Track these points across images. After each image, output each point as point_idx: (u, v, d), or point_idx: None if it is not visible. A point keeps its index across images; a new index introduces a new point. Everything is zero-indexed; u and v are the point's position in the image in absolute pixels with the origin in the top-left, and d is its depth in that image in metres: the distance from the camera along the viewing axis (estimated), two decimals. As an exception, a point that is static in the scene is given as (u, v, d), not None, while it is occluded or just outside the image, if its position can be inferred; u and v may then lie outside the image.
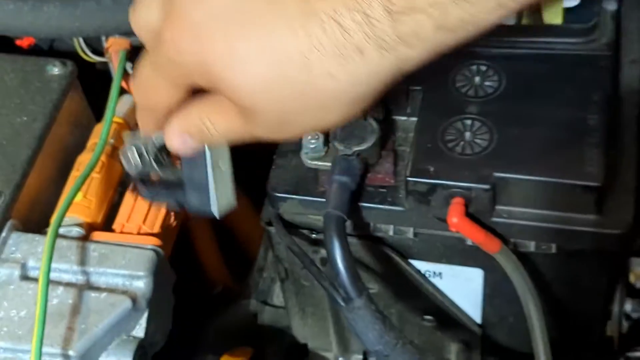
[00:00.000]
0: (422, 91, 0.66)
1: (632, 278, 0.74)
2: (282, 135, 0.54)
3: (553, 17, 0.67)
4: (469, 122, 0.63)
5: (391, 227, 0.65)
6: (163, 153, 0.60)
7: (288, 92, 0.51)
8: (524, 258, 0.63)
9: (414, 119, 0.65)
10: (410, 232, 0.64)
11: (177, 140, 0.56)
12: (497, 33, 0.66)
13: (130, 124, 0.81)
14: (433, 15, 0.47)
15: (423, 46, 0.49)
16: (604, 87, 0.63)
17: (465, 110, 0.63)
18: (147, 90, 0.55)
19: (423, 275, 0.68)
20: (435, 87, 0.65)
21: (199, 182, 0.60)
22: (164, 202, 0.65)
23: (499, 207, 0.61)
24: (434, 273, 0.68)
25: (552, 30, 0.67)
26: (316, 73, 0.49)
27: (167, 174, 0.61)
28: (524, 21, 0.68)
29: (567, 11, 0.67)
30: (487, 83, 0.65)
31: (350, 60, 0.49)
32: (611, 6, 0.67)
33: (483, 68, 0.66)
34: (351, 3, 0.47)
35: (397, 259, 0.67)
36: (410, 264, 0.67)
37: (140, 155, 0.60)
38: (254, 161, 0.72)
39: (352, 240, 0.66)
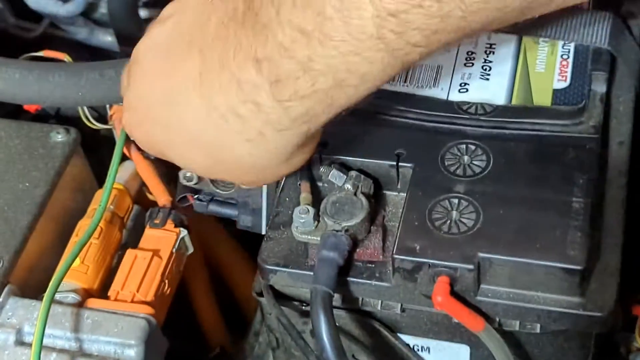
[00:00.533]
0: (412, 168, 0.67)
1: (622, 350, 0.74)
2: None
3: (542, 98, 0.69)
4: (456, 201, 0.64)
5: (379, 302, 0.66)
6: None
7: (223, 171, 0.61)
8: (508, 336, 0.64)
9: (404, 194, 0.66)
10: (397, 308, 0.65)
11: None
12: (488, 113, 0.68)
13: (131, 191, 0.82)
14: (319, 100, 0.52)
15: (317, 121, 0.54)
16: (590, 169, 0.64)
17: (453, 188, 0.65)
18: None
19: (412, 349, 0.69)
20: (425, 164, 0.66)
21: (254, 205, 0.73)
22: (214, 215, 0.76)
23: (483, 287, 0.62)
24: (422, 347, 0.68)
25: (540, 111, 0.68)
26: (237, 155, 0.57)
27: (220, 190, 0.75)
28: (514, 102, 0.69)
29: (557, 92, 0.69)
30: (475, 162, 0.66)
31: (257, 144, 0.55)
32: (600, 88, 0.69)
33: (472, 147, 0.67)
34: (241, 94, 0.53)
35: (386, 332, 0.68)
36: (399, 338, 0.68)
37: None
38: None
39: (341, 313, 0.67)
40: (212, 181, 0.75)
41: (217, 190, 0.75)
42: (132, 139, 0.67)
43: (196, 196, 0.77)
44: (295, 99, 0.52)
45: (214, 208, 0.76)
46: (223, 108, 0.54)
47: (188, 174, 0.75)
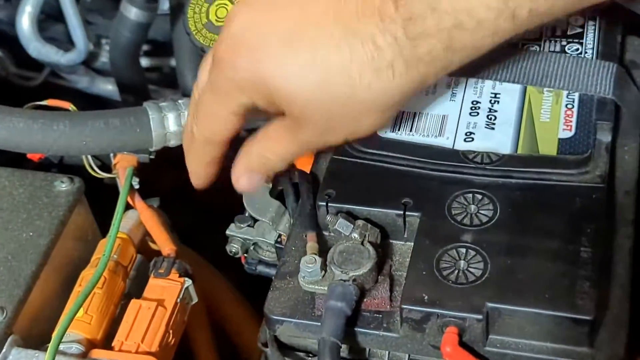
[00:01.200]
0: (419, 217, 0.67)
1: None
2: (326, 141, 0.65)
3: (548, 147, 0.69)
4: (463, 250, 0.64)
5: (387, 352, 0.65)
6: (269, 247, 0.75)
7: (332, 99, 0.60)
8: (518, 387, 0.63)
9: (411, 243, 0.66)
10: (405, 358, 0.65)
11: (244, 179, 0.67)
12: (493, 162, 0.68)
13: (134, 240, 0.82)
14: (441, 39, 0.58)
15: (438, 64, 0.60)
16: (598, 219, 0.64)
17: (461, 238, 0.64)
18: (207, 119, 0.65)
19: (419, 400, 0.68)
20: (432, 213, 0.66)
21: None
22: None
23: (492, 337, 0.61)
24: (430, 398, 0.68)
25: (546, 160, 0.68)
26: (356, 84, 0.59)
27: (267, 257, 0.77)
28: (520, 151, 0.69)
29: (562, 142, 0.69)
30: (482, 212, 0.66)
31: (383, 74, 0.59)
32: (605, 138, 0.69)
33: (479, 197, 0.67)
34: (382, 25, 0.58)
35: (394, 383, 0.67)
36: (407, 389, 0.68)
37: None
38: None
39: (348, 363, 0.66)
40: (255, 249, 0.77)
41: (261, 256, 0.77)
42: (234, 87, 0.62)
43: (245, 259, 0.78)
44: (424, 37, 0.58)
45: (262, 269, 0.78)
46: (362, 35, 0.58)
47: (233, 249, 0.76)
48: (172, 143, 0.77)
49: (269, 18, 0.61)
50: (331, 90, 0.60)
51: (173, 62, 1.19)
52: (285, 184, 0.74)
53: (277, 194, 0.75)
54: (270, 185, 0.74)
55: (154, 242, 0.83)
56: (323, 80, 0.60)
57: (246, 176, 0.67)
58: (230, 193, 0.76)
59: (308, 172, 0.75)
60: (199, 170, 0.70)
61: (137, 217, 0.83)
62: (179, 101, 0.77)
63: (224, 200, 0.80)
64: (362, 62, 0.59)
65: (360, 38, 0.58)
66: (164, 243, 0.80)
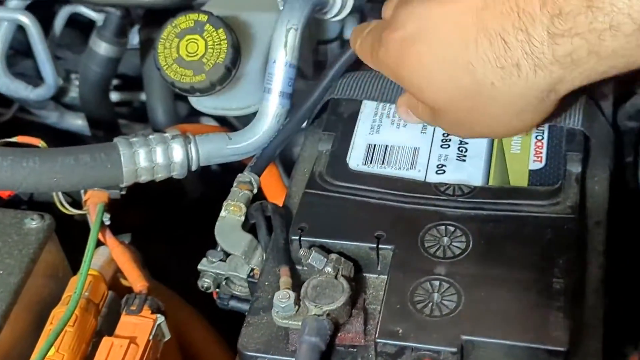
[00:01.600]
0: (392, 250, 0.67)
1: None
2: (460, 133, 0.70)
3: (519, 179, 0.69)
4: (437, 283, 0.64)
5: (362, 386, 0.65)
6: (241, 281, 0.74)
7: (458, 94, 0.62)
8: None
9: (384, 277, 0.66)
10: (380, 392, 0.65)
11: (403, 111, 0.74)
12: (465, 194, 0.69)
13: (106, 277, 0.82)
14: (589, 40, 0.55)
15: (576, 69, 0.57)
16: (569, 249, 0.64)
17: (434, 270, 0.65)
18: (364, 56, 0.73)
19: None
20: (405, 246, 0.67)
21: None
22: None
23: (467, 369, 0.61)
24: None
25: (518, 192, 0.69)
26: (480, 80, 0.60)
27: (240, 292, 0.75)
28: (491, 183, 0.70)
29: (533, 173, 0.70)
30: (455, 244, 0.66)
31: (508, 74, 0.58)
32: (575, 169, 0.70)
33: (451, 229, 0.67)
34: (518, 22, 0.57)
35: (368, 418, 0.67)
36: (382, 423, 0.67)
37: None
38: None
39: (322, 399, 0.66)
40: (227, 283, 0.75)
41: (234, 291, 0.76)
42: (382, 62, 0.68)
43: (218, 294, 0.76)
44: (569, 35, 0.55)
45: (234, 304, 0.76)
46: (493, 31, 0.58)
47: (205, 284, 0.75)
48: (143, 179, 0.77)
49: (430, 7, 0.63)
50: (455, 85, 0.61)
51: (143, 96, 1.19)
52: (258, 217, 0.74)
53: (250, 228, 0.75)
54: (243, 218, 0.74)
55: (125, 278, 0.82)
56: (449, 76, 0.61)
57: (404, 111, 0.74)
58: (203, 227, 0.76)
59: (281, 205, 0.75)
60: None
61: (108, 253, 0.82)
62: (150, 137, 0.77)
63: (196, 235, 0.80)
64: (487, 59, 0.59)
65: (489, 33, 0.58)
66: (135, 279, 0.79)
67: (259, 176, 0.77)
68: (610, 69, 0.57)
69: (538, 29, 0.56)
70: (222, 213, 0.74)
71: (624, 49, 0.55)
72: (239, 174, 0.76)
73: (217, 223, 0.73)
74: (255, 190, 0.76)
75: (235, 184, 0.75)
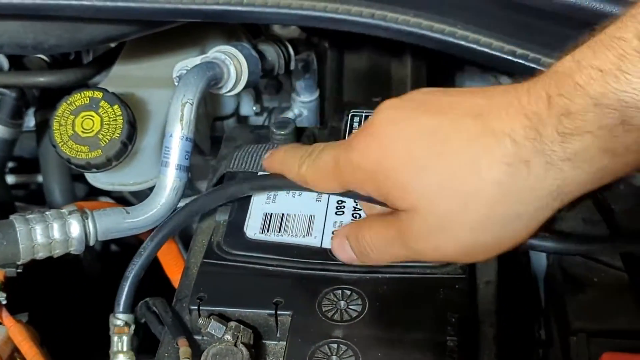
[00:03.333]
0: (290, 316, 0.68)
1: None
2: (430, 245, 0.59)
3: (411, 242, 0.71)
4: (335, 346, 0.65)
5: None
6: None
7: (453, 194, 0.56)
8: None
9: (284, 343, 0.67)
10: None
11: (338, 244, 0.65)
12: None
13: (2, 356, 0.80)
14: (601, 137, 0.52)
15: (587, 168, 0.54)
16: (461, 308, 0.66)
17: (332, 334, 0.66)
18: (319, 177, 0.64)
19: None
20: (303, 311, 0.68)
21: None
22: None
23: None
24: None
25: (411, 255, 0.71)
26: (485, 178, 0.55)
27: None
28: (385, 247, 0.71)
29: (425, 236, 0.72)
30: (351, 307, 0.67)
31: (516, 171, 0.54)
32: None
33: (348, 292, 0.68)
34: (527, 122, 0.54)
35: None
36: None
37: None
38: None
39: None
40: None
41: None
42: (355, 173, 0.61)
43: None
44: (579, 134, 0.53)
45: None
46: (500, 131, 0.55)
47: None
48: (40, 255, 0.76)
49: (411, 114, 0.59)
50: (453, 184, 0.56)
51: (40, 178, 1.18)
52: (146, 315, 0.73)
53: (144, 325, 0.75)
54: None
55: (23, 357, 0.80)
56: (447, 174, 0.57)
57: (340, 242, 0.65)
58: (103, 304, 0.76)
59: (179, 278, 0.75)
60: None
61: (5, 332, 0.81)
62: (46, 213, 0.76)
63: (95, 313, 0.79)
64: (494, 157, 0.55)
65: (495, 134, 0.55)
66: (33, 358, 0.78)
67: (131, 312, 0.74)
68: (624, 167, 0.54)
69: (548, 129, 0.53)
70: None
71: (638, 144, 0.53)
72: (112, 318, 0.73)
73: None
74: (132, 327, 0.73)
75: (111, 329, 0.73)
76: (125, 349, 0.71)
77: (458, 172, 0.56)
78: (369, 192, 0.61)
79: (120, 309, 0.72)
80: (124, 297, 0.72)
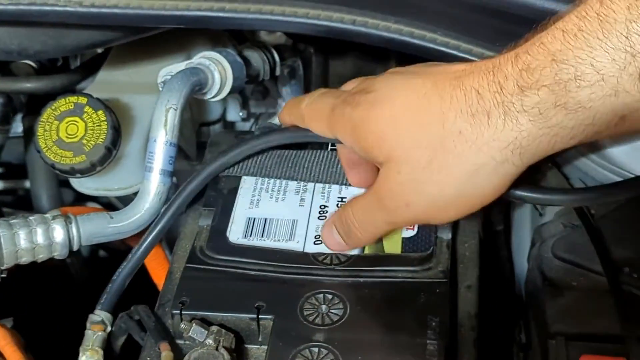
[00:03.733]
0: (272, 320, 0.68)
1: None
2: (405, 200, 0.64)
3: (392, 246, 0.72)
4: (316, 349, 0.65)
5: None
6: None
7: (422, 145, 0.62)
8: None
9: (265, 347, 0.67)
10: None
11: (327, 232, 0.72)
12: (342, 263, 0.71)
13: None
14: (555, 92, 0.57)
15: (542, 122, 0.58)
16: (442, 312, 0.67)
17: (313, 338, 0.66)
18: (314, 116, 0.71)
19: None
20: (285, 315, 0.68)
21: None
22: None
23: None
24: None
25: (392, 259, 0.71)
26: (448, 129, 0.61)
27: None
28: (367, 251, 0.72)
29: (406, 241, 0.72)
30: (333, 311, 0.68)
31: (478, 122, 0.60)
32: (446, 235, 0.73)
33: (329, 296, 0.69)
34: (492, 78, 0.60)
35: None
36: None
37: None
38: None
39: None
40: None
41: None
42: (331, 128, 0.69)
43: None
44: (535, 87, 0.57)
45: None
46: (469, 86, 0.60)
47: None
48: (24, 260, 0.76)
49: (406, 77, 0.66)
50: (426, 133, 0.62)
51: (27, 184, 1.19)
52: (128, 325, 0.74)
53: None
54: None
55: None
56: (420, 125, 0.62)
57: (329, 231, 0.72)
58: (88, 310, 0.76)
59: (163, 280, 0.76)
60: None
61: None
62: (30, 217, 0.77)
63: (81, 318, 0.80)
64: (459, 109, 0.60)
65: (464, 88, 0.61)
66: (17, 363, 0.78)
67: (111, 313, 0.76)
68: (579, 127, 0.58)
69: (509, 83, 0.58)
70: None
71: (590, 100, 0.56)
72: (90, 315, 0.75)
73: None
74: (109, 329, 0.74)
75: (88, 325, 0.74)
76: (96, 346, 0.72)
77: (427, 124, 0.62)
78: (352, 143, 0.67)
79: (100, 307, 0.74)
80: (106, 295, 0.75)
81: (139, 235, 0.82)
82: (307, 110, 0.71)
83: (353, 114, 0.66)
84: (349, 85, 0.72)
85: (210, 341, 0.66)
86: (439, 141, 0.61)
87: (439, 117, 0.61)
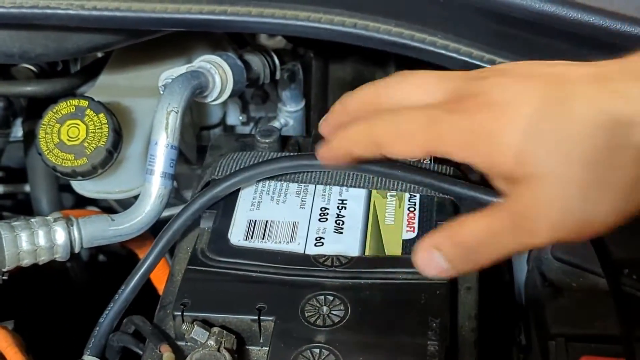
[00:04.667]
0: (273, 321, 0.68)
1: None
2: (550, 233, 0.53)
3: (393, 248, 0.72)
4: (317, 351, 0.65)
5: None
6: None
7: (574, 153, 0.51)
8: None
9: (267, 348, 0.68)
10: None
11: (425, 256, 0.57)
12: (343, 265, 0.71)
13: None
14: None
15: None
16: (442, 313, 0.67)
17: (314, 339, 0.66)
18: (402, 135, 0.56)
19: None
20: (286, 317, 0.68)
21: None
22: None
23: None
24: None
25: (392, 261, 0.71)
26: (605, 139, 0.51)
27: None
28: (367, 253, 0.72)
29: (406, 243, 0.73)
30: (334, 312, 0.68)
31: (622, 132, 0.51)
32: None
33: (330, 298, 0.69)
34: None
35: None
36: None
37: None
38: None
39: None
40: None
41: None
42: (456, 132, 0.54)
43: None
44: None
45: None
46: (621, 91, 0.52)
47: None
48: (26, 262, 0.77)
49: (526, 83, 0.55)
50: (572, 145, 0.52)
51: (27, 188, 1.19)
52: (123, 340, 0.74)
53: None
54: None
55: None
56: (561, 134, 0.52)
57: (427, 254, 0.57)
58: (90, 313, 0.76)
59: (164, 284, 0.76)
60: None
61: (-11, 339, 0.81)
62: (32, 220, 0.77)
63: (82, 320, 0.80)
64: (609, 117, 0.51)
65: (615, 91, 0.52)
66: (18, 365, 0.79)
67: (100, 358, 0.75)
68: None
69: None
70: None
71: None
72: None
73: None
74: None
75: None
76: None
77: (575, 135, 0.52)
78: (469, 159, 0.55)
79: (89, 352, 0.75)
80: (93, 339, 0.75)
81: (139, 238, 0.82)
82: (386, 134, 0.57)
83: (473, 124, 0.54)
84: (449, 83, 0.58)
85: (212, 342, 0.66)
86: (593, 155, 0.52)
87: (590, 127, 0.51)
